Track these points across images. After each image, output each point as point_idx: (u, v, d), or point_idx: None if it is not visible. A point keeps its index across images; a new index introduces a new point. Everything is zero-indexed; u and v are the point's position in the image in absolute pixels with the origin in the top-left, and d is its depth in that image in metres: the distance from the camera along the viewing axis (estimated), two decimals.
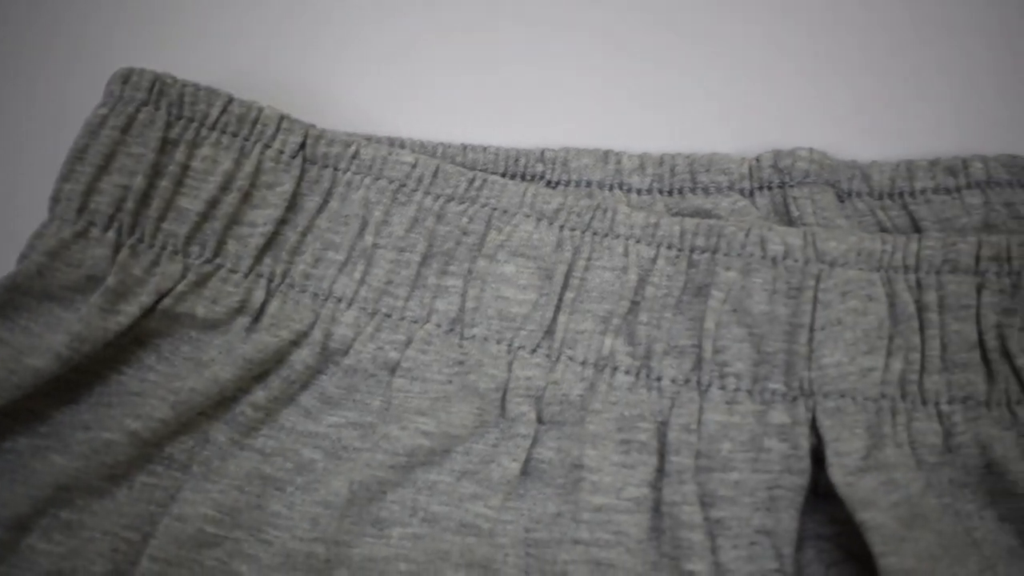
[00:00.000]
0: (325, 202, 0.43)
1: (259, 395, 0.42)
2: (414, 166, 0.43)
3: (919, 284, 0.43)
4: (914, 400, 0.42)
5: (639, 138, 0.46)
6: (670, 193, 0.45)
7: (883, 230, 0.46)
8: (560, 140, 0.46)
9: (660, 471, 0.41)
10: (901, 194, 0.46)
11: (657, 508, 0.41)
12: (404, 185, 0.43)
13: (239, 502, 0.41)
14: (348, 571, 0.40)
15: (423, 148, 0.45)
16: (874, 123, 0.47)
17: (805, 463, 0.41)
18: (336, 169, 0.43)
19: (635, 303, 0.42)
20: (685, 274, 0.43)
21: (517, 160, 0.45)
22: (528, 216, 0.43)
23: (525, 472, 0.42)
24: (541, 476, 0.42)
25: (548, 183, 0.45)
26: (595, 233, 0.43)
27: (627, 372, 0.42)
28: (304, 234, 0.43)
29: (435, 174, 0.43)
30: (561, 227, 0.43)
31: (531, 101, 0.46)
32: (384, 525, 0.41)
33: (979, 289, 0.43)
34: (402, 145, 0.45)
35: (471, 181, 0.43)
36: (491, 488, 0.41)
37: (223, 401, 0.42)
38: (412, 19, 0.47)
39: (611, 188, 0.45)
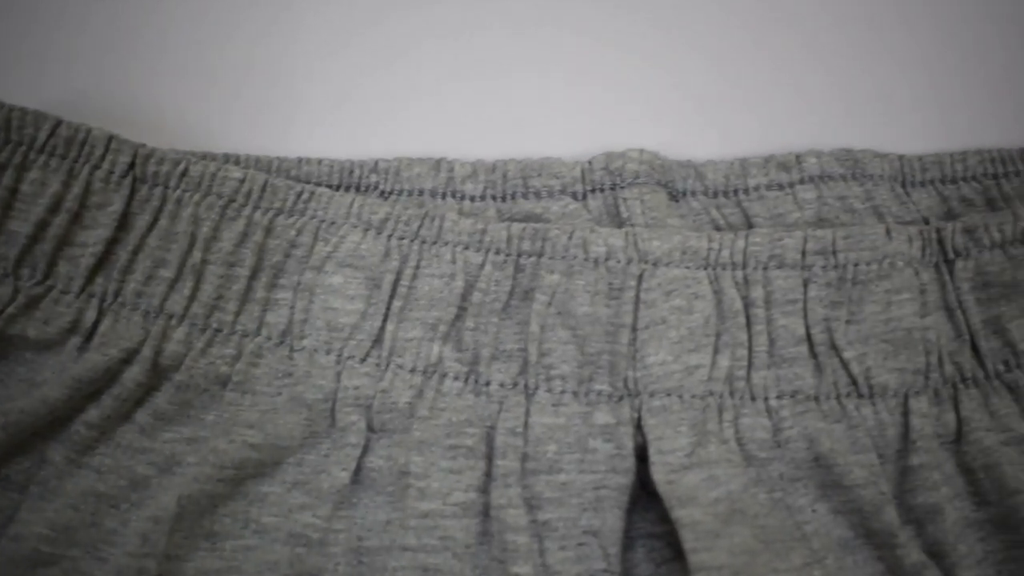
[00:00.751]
0: (155, 220, 0.43)
1: (92, 414, 0.42)
2: (243, 181, 0.43)
3: (746, 280, 0.43)
4: (742, 396, 0.42)
5: (473, 144, 0.46)
6: (503, 199, 0.45)
7: (717, 228, 0.46)
8: (392, 148, 0.46)
9: (488, 475, 0.42)
10: (736, 191, 0.46)
11: (486, 512, 0.41)
12: (233, 200, 0.43)
13: (74, 520, 0.41)
14: None
15: (259, 163, 0.45)
16: (711, 122, 0.47)
17: (629, 463, 0.41)
18: (166, 187, 0.43)
19: (463, 309, 0.43)
20: (512, 279, 0.43)
21: (351, 172, 0.46)
22: (355, 227, 0.43)
23: (357, 481, 0.42)
24: (372, 484, 0.42)
25: (382, 193, 0.46)
26: (423, 241, 0.43)
27: (455, 378, 0.43)
28: (135, 253, 0.43)
29: (264, 189, 0.43)
30: (389, 236, 0.43)
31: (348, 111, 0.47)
32: (217, 538, 0.41)
33: (805, 283, 0.43)
34: (237, 161, 0.45)
35: (299, 194, 0.44)
36: (320, 498, 0.41)
37: (57, 421, 0.42)
38: (274, 38, 0.47)
39: (444, 196, 0.45)
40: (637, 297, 0.42)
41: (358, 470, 0.42)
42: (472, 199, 0.46)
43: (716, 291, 0.43)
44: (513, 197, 0.45)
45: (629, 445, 0.41)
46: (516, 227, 0.43)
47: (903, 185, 0.47)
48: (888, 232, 0.43)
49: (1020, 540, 0.42)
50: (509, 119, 0.47)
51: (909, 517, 0.43)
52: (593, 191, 0.46)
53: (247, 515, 0.41)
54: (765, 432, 0.42)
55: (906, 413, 0.43)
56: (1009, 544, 0.42)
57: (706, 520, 0.39)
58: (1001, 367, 0.44)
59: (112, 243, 0.43)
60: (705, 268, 0.43)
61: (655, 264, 0.43)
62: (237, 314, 0.43)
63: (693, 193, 0.46)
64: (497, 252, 0.43)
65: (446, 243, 0.43)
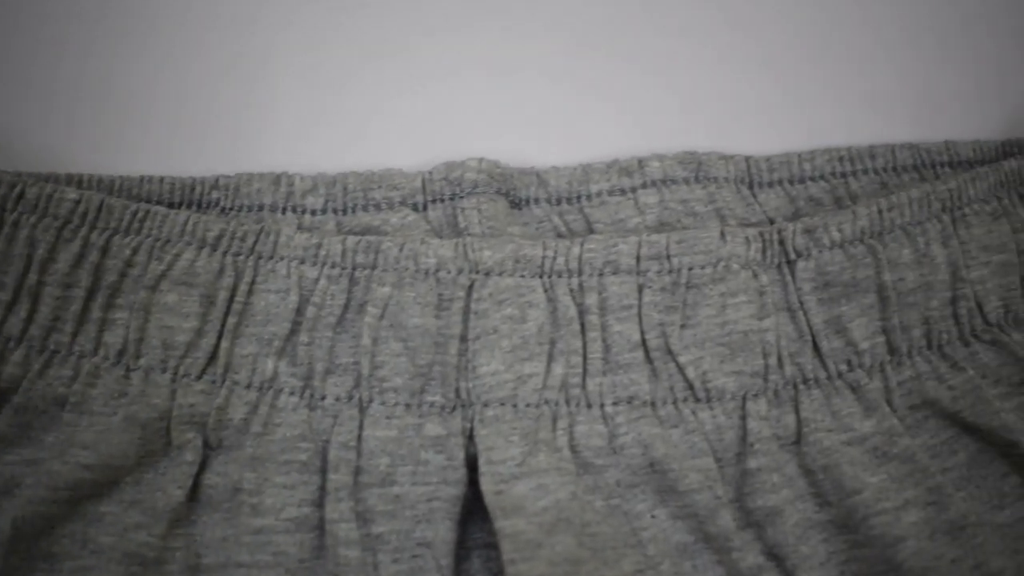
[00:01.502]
0: None
1: None
2: (78, 202, 0.43)
3: (581, 287, 0.43)
4: (578, 403, 0.42)
5: (317, 157, 0.46)
6: (344, 212, 0.45)
7: (559, 235, 0.46)
8: (236, 164, 0.46)
9: (323, 490, 0.42)
10: (579, 198, 0.46)
11: (321, 527, 0.41)
12: (69, 222, 0.43)
13: None
14: None
15: (100, 183, 0.45)
16: (555, 129, 0.47)
17: (460, 473, 0.41)
18: (3, 210, 0.43)
19: (297, 324, 0.43)
20: (347, 292, 0.43)
21: (193, 189, 0.46)
22: (190, 244, 0.43)
23: (194, 498, 0.42)
24: (209, 501, 0.42)
25: (223, 210, 0.46)
26: (259, 257, 0.43)
27: (291, 393, 0.43)
28: None
29: (99, 209, 0.43)
30: (224, 253, 0.43)
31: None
32: (55, 560, 0.41)
33: (640, 289, 0.43)
34: (79, 182, 0.45)
35: (135, 214, 0.44)
36: (156, 516, 0.41)
37: None
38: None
39: (284, 211, 0.45)
40: (466, 308, 0.42)
41: (195, 487, 0.42)
42: (313, 213, 0.46)
43: (551, 299, 0.43)
44: (353, 210, 0.45)
45: (460, 456, 0.41)
46: (351, 240, 0.43)
47: (750, 187, 0.47)
48: (723, 235, 0.43)
49: (861, 540, 0.42)
50: (350, 131, 0.47)
51: (749, 520, 0.43)
52: (434, 201, 0.46)
53: (85, 535, 0.41)
54: (601, 439, 0.42)
55: (744, 416, 0.43)
56: (851, 544, 0.42)
57: (529, 530, 0.39)
58: (843, 367, 0.44)
59: None
60: (540, 276, 0.43)
61: (487, 274, 0.43)
62: (74, 335, 0.43)
63: (536, 200, 0.46)
64: (333, 266, 0.43)
65: (281, 258, 0.43)
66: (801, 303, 0.44)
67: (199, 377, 0.43)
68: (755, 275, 0.43)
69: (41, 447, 0.42)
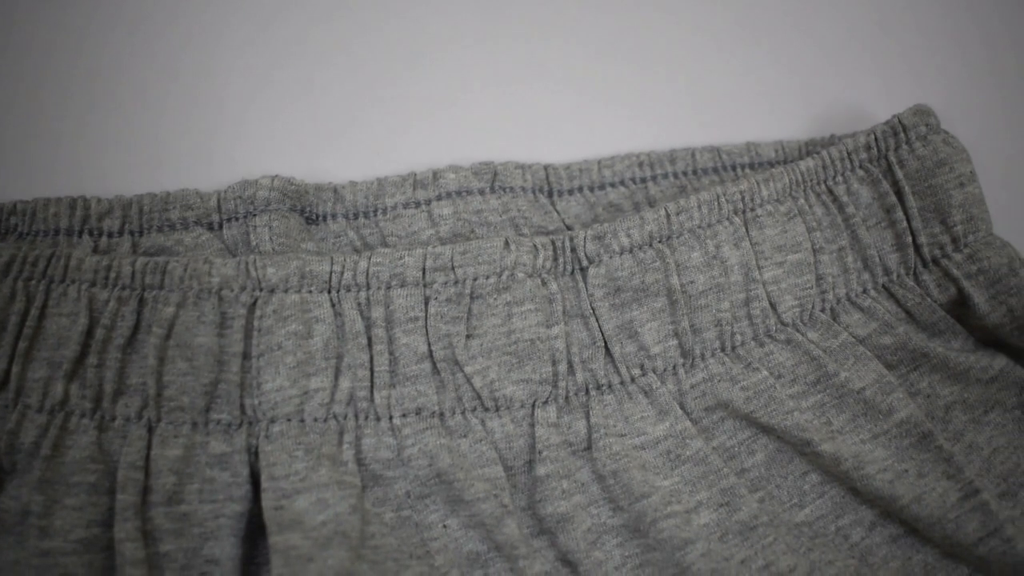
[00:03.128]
0: None
1: None
2: None
3: (368, 301, 0.43)
4: (366, 416, 0.43)
5: (114, 178, 0.47)
6: (140, 233, 0.46)
7: (355, 250, 0.46)
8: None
9: (112, 510, 0.42)
10: (375, 211, 0.46)
11: (111, 547, 0.42)
12: None
13: None
14: None
15: None
16: (353, 143, 0.48)
17: (244, 490, 0.42)
18: None
19: (87, 346, 0.43)
20: (137, 313, 0.43)
21: None
22: None
23: None
24: (2, 526, 0.42)
25: (21, 235, 0.46)
26: (51, 281, 0.44)
27: (82, 415, 0.43)
28: None
29: None
30: (15, 279, 0.44)
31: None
32: None
33: (427, 301, 0.43)
34: None
35: None
36: None
37: None
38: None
39: (80, 234, 0.45)
40: (248, 325, 0.42)
41: None
42: (110, 235, 0.46)
43: (337, 313, 0.43)
44: (149, 231, 0.46)
45: (244, 472, 0.42)
46: (140, 261, 0.43)
47: (548, 195, 0.47)
48: (507, 244, 0.43)
49: (652, 544, 0.42)
50: (146, 152, 0.47)
51: (542, 527, 0.43)
52: (228, 220, 0.46)
53: None
54: (389, 451, 0.43)
55: (533, 423, 0.43)
56: (645, 548, 0.42)
57: (303, 545, 0.39)
58: (636, 371, 0.44)
59: None
60: (327, 291, 0.43)
61: (271, 291, 0.43)
62: None
63: (333, 216, 0.47)
64: (123, 288, 0.43)
65: (72, 281, 0.44)
66: (593, 309, 0.44)
67: None
68: (543, 283, 0.44)
69: None
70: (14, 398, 0.43)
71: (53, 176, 0.47)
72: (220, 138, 0.47)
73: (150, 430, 0.42)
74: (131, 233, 0.46)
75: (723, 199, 0.45)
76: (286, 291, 0.43)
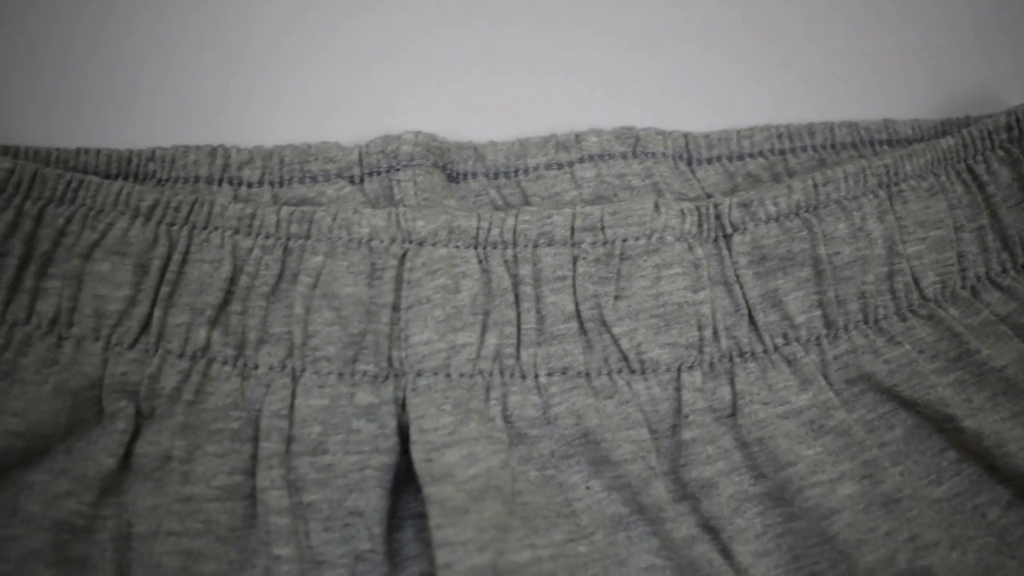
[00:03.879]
0: None
1: None
2: (12, 172, 0.43)
3: (515, 258, 0.43)
4: (512, 374, 0.42)
5: (253, 130, 0.46)
6: (280, 184, 0.45)
7: (496, 208, 0.46)
8: (171, 137, 0.46)
9: (254, 458, 0.41)
10: (516, 172, 0.46)
11: (253, 496, 0.41)
12: (3, 191, 0.43)
13: None
14: None
15: (37, 155, 0.45)
16: (491, 104, 0.47)
17: (392, 441, 0.41)
18: None
19: (230, 293, 0.43)
20: (281, 262, 0.43)
21: (130, 161, 0.46)
22: (123, 214, 0.43)
23: (126, 467, 0.42)
24: (141, 471, 0.42)
25: (159, 181, 0.45)
26: (194, 227, 0.43)
27: (224, 363, 0.42)
28: None
29: (33, 178, 0.43)
30: (158, 223, 0.43)
31: None
32: None
33: (575, 260, 0.43)
34: (16, 153, 0.45)
35: (68, 183, 0.43)
36: (86, 484, 0.41)
37: None
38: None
39: (220, 183, 0.45)
40: (399, 277, 0.42)
41: (127, 456, 0.42)
42: (249, 185, 0.45)
43: (484, 270, 0.43)
44: (289, 182, 0.45)
45: (392, 424, 0.41)
46: (285, 211, 0.43)
47: (688, 163, 0.47)
48: (657, 207, 0.43)
49: (796, 513, 0.42)
50: (288, 105, 0.47)
51: (685, 492, 0.42)
52: (370, 174, 0.46)
53: (15, 504, 0.41)
54: (534, 409, 0.42)
55: (679, 388, 0.43)
56: (786, 517, 0.42)
57: (457, 497, 0.38)
58: (779, 340, 0.44)
59: None
60: (474, 247, 0.43)
61: (420, 244, 0.42)
62: (6, 304, 0.43)
63: (473, 175, 0.46)
64: (267, 236, 0.43)
65: (216, 228, 0.43)
66: (737, 276, 0.44)
67: (132, 346, 0.42)
68: (690, 248, 0.43)
69: None
70: (155, 343, 0.42)
71: (189, 125, 0.46)
72: (356, 94, 0.47)
73: (294, 379, 0.42)
74: (271, 184, 0.45)
75: (868, 172, 0.45)
76: (434, 245, 0.42)
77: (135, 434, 0.42)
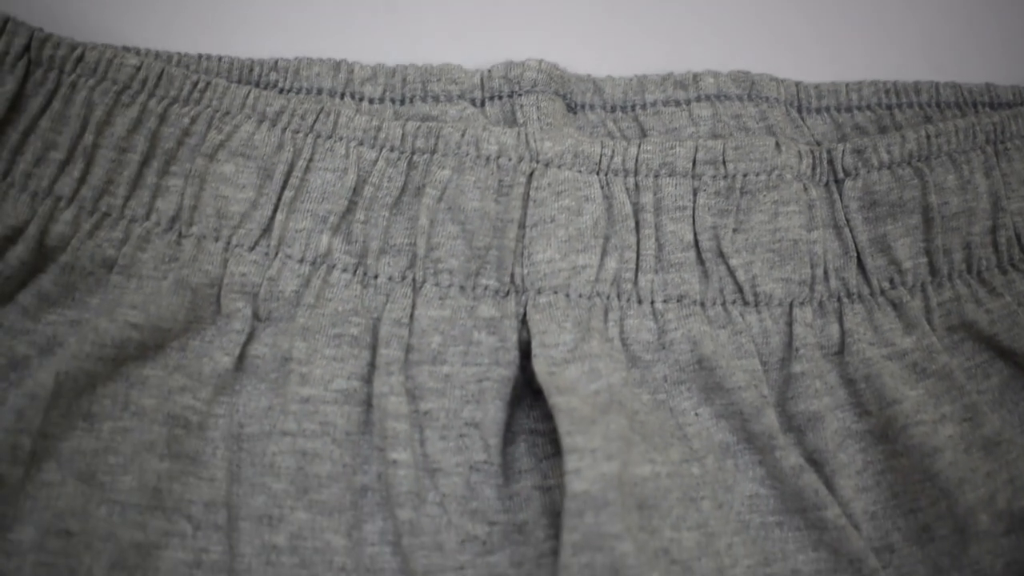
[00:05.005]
0: (48, 103, 0.43)
1: None
2: (138, 69, 0.43)
3: (637, 186, 0.43)
4: (629, 298, 0.43)
5: (374, 49, 0.46)
6: (401, 102, 0.46)
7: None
8: (292, 49, 0.46)
9: (372, 366, 0.42)
10: (633, 107, 0.47)
11: (369, 403, 0.41)
12: (128, 87, 0.43)
13: None
14: (56, 463, 0.39)
15: (158, 58, 0.45)
16: (611, 40, 0.48)
17: (513, 355, 0.41)
18: (61, 71, 0.43)
19: (353, 203, 0.43)
20: (405, 175, 0.43)
21: (251, 70, 0.46)
22: (250, 117, 0.43)
23: (240, 368, 0.42)
24: (255, 371, 0.42)
25: (281, 91, 0.46)
26: (318, 136, 0.43)
27: (344, 270, 0.42)
28: (26, 135, 0.43)
29: (160, 77, 0.43)
30: (284, 129, 0.43)
31: None
32: (95, 419, 0.40)
33: (695, 192, 0.43)
34: (137, 53, 0.45)
35: (195, 84, 0.43)
36: (201, 381, 0.41)
37: None
38: None
39: (342, 96, 0.45)
40: (526, 194, 0.42)
41: (242, 357, 0.42)
42: (371, 101, 0.46)
43: (607, 195, 0.43)
44: (412, 100, 0.46)
45: (513, 338, 0.42)
46: (411, 125, 0.43)
47: (799, 110, 0.48)
48: (778, 145, 0.44)
49: (898, 450, 0.42)
50: (411, 26, 0.47)
51: (790, 425, 0.43)
52: (491, 98, 0.46)
53: (127, 397, 0.41)
54: (650, 334, 0.43)
55: (790, 322, 0.43)
56: (888, 455, 0.43)
57: (583, 408, 0.39)
58: (886, 284, 0.45)
59: (3, 124, 0.43)
60: (596, 173, 0.43)
61: (546, 164, 0.43)
62: (127, 199, 0.43)
63: (591, 106, 0.47)
64: (391, 149, 0.43)
65: (340, 138, 0.43)
66: (848, 220, 0.45)
67: (252, 248, 0.43)
68: (805, 188, 0.44)
69: (85, 308, 0.42)
70: (276, 247, 0.42)
71: (310, 39, 0.46)
72: (478, 21, 0.47)
73: (414, 290, 0.42)
74: (392, 101, 0.46)
75: (977, 128, 0.46)
76: (560, 167, 0.43)
77: (249, 336, 0.42)
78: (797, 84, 0.48)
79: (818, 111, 0.48)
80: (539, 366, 0.40)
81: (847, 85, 0.48)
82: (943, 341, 0.45)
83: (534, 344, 0.41)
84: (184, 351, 0.42)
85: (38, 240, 0.42)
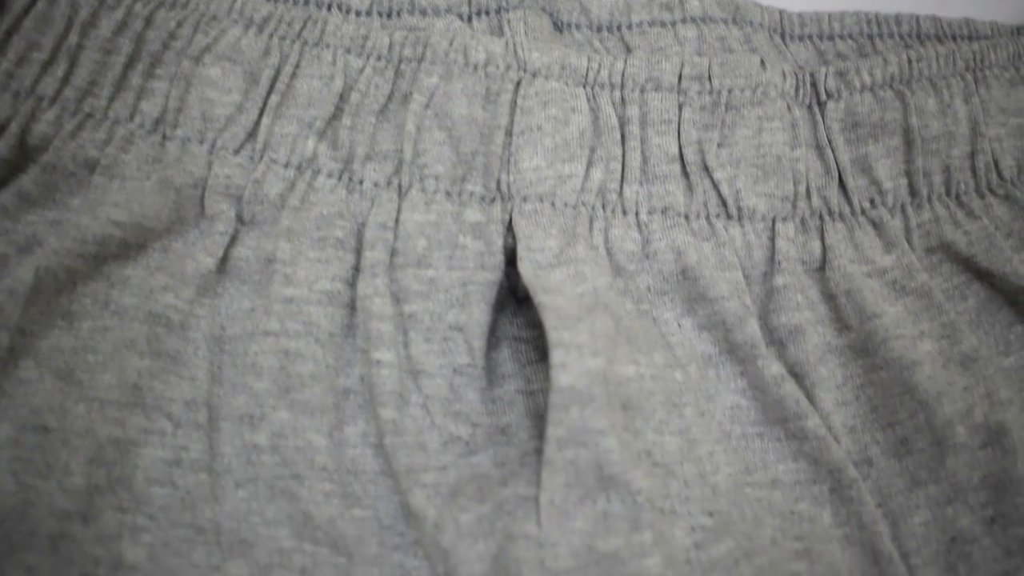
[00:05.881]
0: (32, 3, 0.43)
1: None
2: None
3: (623, 100, 0.44)
4: (614, 209, 0.43)
5: None
6: (388, 15, 0.45)
7: None
8: None
9: (357, 269, 0.41)
10: (619, 27, 0.47)
11: (352, 306, 0.41)
12: None
13: None
14: (34, 361, 0.39)
15: None
16: None
17: (498, 259, 0.41)
18: None
19: (340, 109, 0.43)
20: (392, 82, 0.43)
21: None
22: (236, 22, 0.43)
23: (223, 271, 0.42)
24: (238, 274, 0.42)
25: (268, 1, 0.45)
26: (305, 43, 0.43)
27: (329, 175, 0.42)
28: (9, 34, 0.42)
29: None
30: (271, 35, 0.43)
31: None
32: (74, 318, 0.40)
33: (680, 106, 0.44)
34: None
35: None
36: (183, 281, 0.41)
37: None
38: None
39: (328, 8, 0.45)
40: (514, 102, 0.43)
41: (225, 259, 0.42)
42: (358, 13, 0.46)
43: (593, 108, 0.43)
44: (399, 14, 0.46)
45: (498, 243, 0.42)
46: (399, 34, 0.43)
47: (781, 37, 0.49)
48: (763, 63, 0.44)
49: (878, 363, 0.43)
50: None
51: (772, 338, 0.43)
52: (478, 13, 0.46)
53: (107, 297, 0.40)
54: (634, 244, 0.43)
55: (773, 237, 0.44)
56: (868, 369, 0.43)
57: (569, 307, 0.39)
58: (867, 204, 0.45)
59: None
60: (583, 86, 0.43)
61: (534, 75, 0.43)
62: (111, 100, 0.42)
63: (577, 26, 0.47)
64: (379, 58, 0.43)
65: (328, 46, 0.43)
66: (830, 141, 0.45)
67: (237, 152, 0.42)
68: (789, 108, 0.45)
69: (66, 209, 0.42)
70: (261, 151, 0.42)
71: None
72: None
73: (400, 195, 0.42)
74: (380, 14, 0.46)
75: (957, 55, 0.46)
76: (547, 78, 0.43)
77: (233, 239, 0.42)
78: (780, 11, 0.49)
79: (800, 39, 0.49)
80: (525, 268, 0.40)
81: (829, 15, 0.49)
82: (922, 262, 0.45)
83: (520, 248, 0.41)
84: (167, 252, 0.41)
85: (19, 139, 0.41)
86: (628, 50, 0.47)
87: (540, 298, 0.39)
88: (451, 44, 0.43)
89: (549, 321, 0.38)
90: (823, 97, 0.45)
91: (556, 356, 0.37)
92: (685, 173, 0.44)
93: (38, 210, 0.41)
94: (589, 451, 0.37)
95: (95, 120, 0.42)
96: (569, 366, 0.37)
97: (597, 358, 0.37)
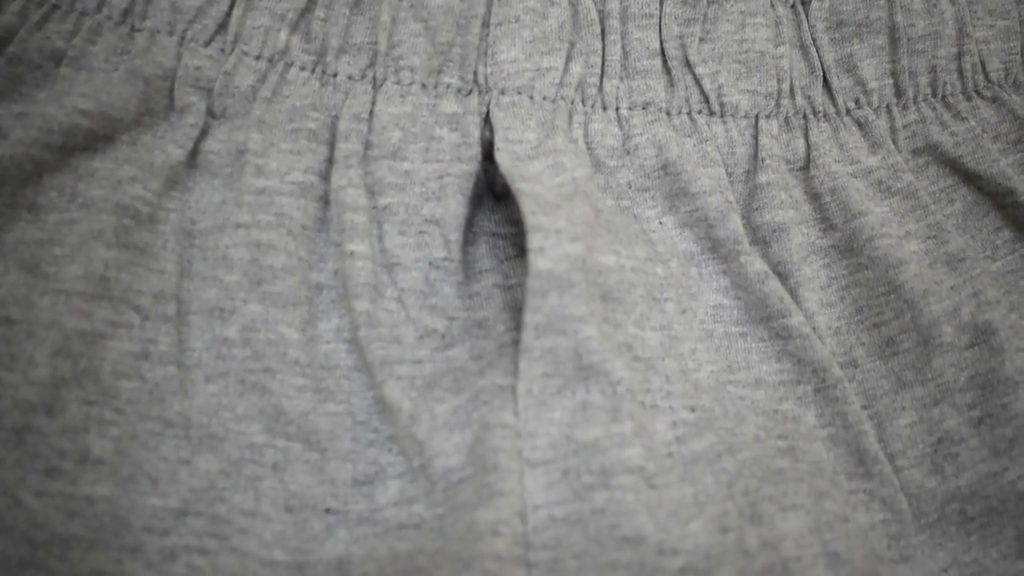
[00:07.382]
0: None
1: None
2: None
3: None
4: (594, 104, 0.42)
5: None
6: None
7: None
8: None
9: (330, 162, 0.40)
10: None
11: (326, 200, 0.40)
12: None
13: None
14: None
15: None
16: None
17: (475, 151, 0.40)
18: None
19: (313, 1, 0.42)
20: None
21: None
22: None
23: (193, 165, 0.41)
24: (209, 167, 0.40)
25: None
26: None
27: (302, 68, 0.41)
28: None
29: None
30: None
31: None
32: (40, 211, 0.39)
33: (661, 0, 0.43)
34: None
35: None
36: (152, 172, 0.40)
37: None
38: None
39: None
40: None
41: (195, 153, 0.41)
42: None
43: (572, 1, 0.42)
44: None
45: (475, 134, 0.41)
46: None
47: None
48: None
49: (863, 263, 0.42)
50: None
51: (755, 237, 0.42)
52: None
53: (74, 189, 0.39)
54: (614, 139, 0.42)
55: (756, 135, 0.43)
56: (852, 269, 0.42)
57: (548, 194, 0.38)
58: (852, 104, 0.44)
59: None
60: None
61: None
62: None
63: None
64: None
65: None
66: (814, 40, 0.44)
67: (207, 44, 0.41)
68: (772, 4, 0.44)
69: (32, 102, 0.40)
70: (232, 43, 0.41)
71: None
72: None
73: (375, 88, 0.41)
74: None
75: None
76: None
77: (203, 132, 0.41)
78: None
79: None
80: (502, 158, 0.40)
81: None
82: (908, 163, 0.44)
83: (497, 139, 0.40)
84: (135, 144, 0.40)
85: None
86: None
87: (518, 185, 0.38)
88: None
89: (527, 206, 0.37)
90: None
91: (534, 240, 0.36)
92: (666, 68, 0.43)
93: (3, 103, 0.40)
94: (568, 339, 0.36)
95: (62, 11, 0.41)
96: (547, 250, 0.36)
97: (576, 243, 0.36)
